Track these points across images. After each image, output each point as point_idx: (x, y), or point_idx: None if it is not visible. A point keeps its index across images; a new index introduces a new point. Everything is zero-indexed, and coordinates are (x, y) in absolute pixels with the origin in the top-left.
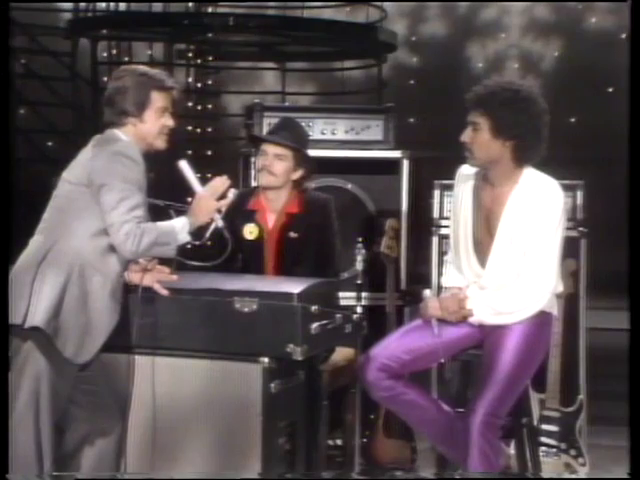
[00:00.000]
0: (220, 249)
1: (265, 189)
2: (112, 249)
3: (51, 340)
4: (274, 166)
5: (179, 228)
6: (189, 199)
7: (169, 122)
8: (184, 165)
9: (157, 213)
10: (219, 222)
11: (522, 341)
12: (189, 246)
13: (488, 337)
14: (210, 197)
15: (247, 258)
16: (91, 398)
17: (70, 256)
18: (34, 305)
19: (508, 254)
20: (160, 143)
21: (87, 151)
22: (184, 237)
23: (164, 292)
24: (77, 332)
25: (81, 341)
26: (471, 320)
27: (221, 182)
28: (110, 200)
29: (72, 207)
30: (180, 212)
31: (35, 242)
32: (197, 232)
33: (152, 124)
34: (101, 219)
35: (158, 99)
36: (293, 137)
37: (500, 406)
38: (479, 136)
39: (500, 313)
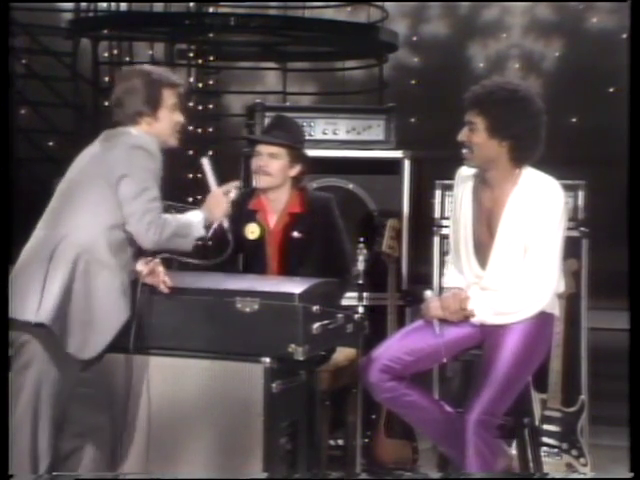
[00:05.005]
0: (221, 248)
1: (264, 190)
2: (123, 244)
3: (56, 337)
4: (269, 166)
5: (196, 222)
6: (189, 199)
7: (180, 118)
8: (206, 163)
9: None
10: (225, 223)
11: (522, 341)
12: None
13: (489, 337)
14: (222, 194)
15: (248, 258)
16: (85, 400)
17: (76, 251)
18: (43, 301)
19: (508, 255)
20: (173, 140)
21: (97, 145)
22: (199, 231)
23: (166, 290)
24: (82, 328)
25: (85, 337)
26: (472, 320)
27: (233, 184)
28: (132, 190)
29: (83, 201)
30: (181, 212)
31: (39, 236)
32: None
33: (166, 122)
34: (114, 213)
35: (169, 96)
36: (286, 135)
37: (497, 405)
38: (476, 136)
39: (501, 313)
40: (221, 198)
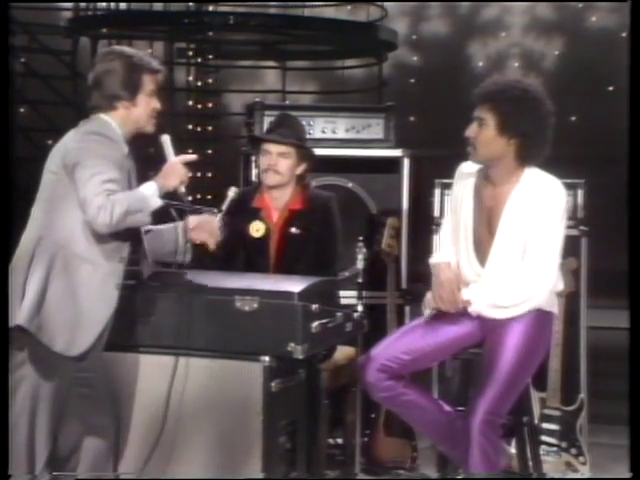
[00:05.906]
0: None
1: (271, 188)
2: (101, 235)
3: (35, 338)
4: (279, 165)
5: (150, 194)
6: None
7: (157, 105)
8: (166, 140)
9: (157, 212)
10: (181, 190)
11: (523, 340)
12: (188, 245)
13: (488, 336)
14: (180, 163)
15: (253, 255)
16: (87, 401)
17: (53, 249)
18: (23, 305)
19: (508, 253)
20: (150, 127)
21: (65, 137)
22: (155, 202)
23: (213, 247)
24: (66, 325)
25: (72, 333)
26: (469, 310)
27: (191, 156)
28: (82, 176)
29: (55, 197)
30: (181, 212)
31: (23, 242)
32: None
33: (144, 108)
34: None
35: (149, 82)
36: (293, 133)
37: (501, 405)
38: (484, 132)
39: (497, 306)
40: (178, 166)
